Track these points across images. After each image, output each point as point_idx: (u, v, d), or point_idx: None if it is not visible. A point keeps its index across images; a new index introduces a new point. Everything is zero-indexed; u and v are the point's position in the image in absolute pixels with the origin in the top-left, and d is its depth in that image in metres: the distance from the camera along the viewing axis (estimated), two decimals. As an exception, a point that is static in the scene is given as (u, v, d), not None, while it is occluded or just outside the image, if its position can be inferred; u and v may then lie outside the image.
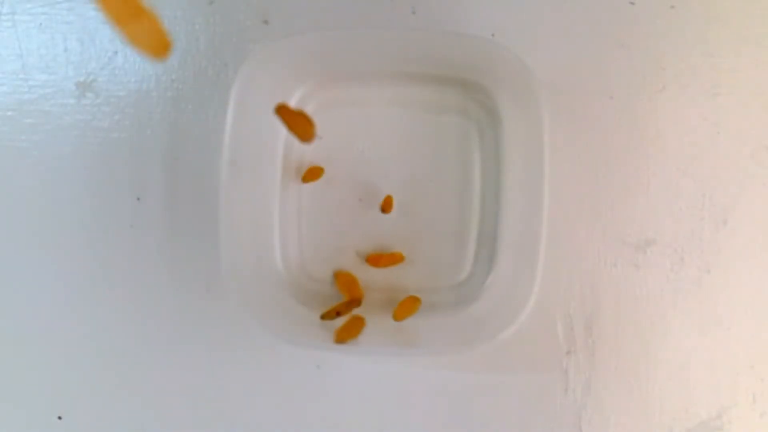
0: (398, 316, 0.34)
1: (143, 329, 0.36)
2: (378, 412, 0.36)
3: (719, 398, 0.35)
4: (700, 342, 0.35)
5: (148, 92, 0.36)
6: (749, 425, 0.35)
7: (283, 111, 0.28)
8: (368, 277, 0.35)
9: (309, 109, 0.36)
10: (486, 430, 0.36)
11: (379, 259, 0.35)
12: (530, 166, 0.32)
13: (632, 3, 0.36)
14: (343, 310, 0.33)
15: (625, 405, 0.35)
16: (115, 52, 0.37)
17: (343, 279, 0.35)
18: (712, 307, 0.35)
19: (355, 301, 0.34)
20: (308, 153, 0.36)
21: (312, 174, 0.35)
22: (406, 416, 0.36)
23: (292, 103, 0.35)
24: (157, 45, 0.23)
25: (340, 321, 0.33)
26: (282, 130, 0.35)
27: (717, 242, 0.35)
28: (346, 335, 0.32)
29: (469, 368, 0.35)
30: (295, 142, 0.36)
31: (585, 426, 0.35)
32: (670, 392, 0.35)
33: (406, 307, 0.34)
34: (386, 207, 0.35)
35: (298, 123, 0.29)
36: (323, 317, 0.33)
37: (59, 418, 0.36)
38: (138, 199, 0.36)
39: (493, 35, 0.35)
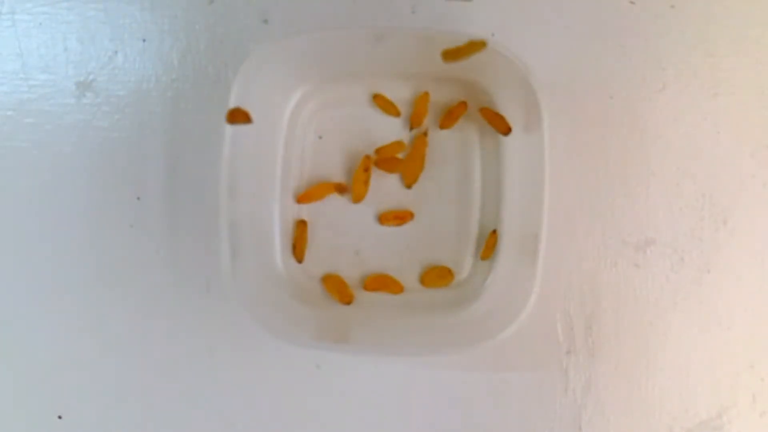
0: (426, 282, 0.35)
1: (143, 329, 0.36)
2: (378, 412, 0.36)
3: (719, 398, 0.35)
4: (700, 342, 0.35)
5: (148, 92, 0.36)
6: (749, 425, 0.35)
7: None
8: (366, 276, 0.35)
9: (309, 109, 0.36)
10: (486, 430, 0.36)
11: (376, 283, 0.35)
12: (530, 166, 0.32)
13: (632, 3, 0.36)
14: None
15: (625, 405, 0.35)
16: (115, 52, 0.37)
17: (331, 282, 0.35)
18: (712, 307, 0.35)
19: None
20: (308, 152, 0.36)
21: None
22: (406, 416, 0.36)
23: (292, 103, 0.35)
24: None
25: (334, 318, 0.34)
26: (282, 130, 0.35)
27: (717, 242, 0.35)
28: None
29: (469, 368, 0.35)
30: (296, 142, 0.36)
31: (585, 426, 0.35)
32: (670, 392, 0.35)
33: (435, 275, 0.35)
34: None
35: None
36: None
37: (59, 417, 0.36)
38: (138, 199, 0.36)
39: (493, 35, 0.35)
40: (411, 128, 0.35)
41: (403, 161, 0.35)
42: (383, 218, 0.35)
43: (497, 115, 0.34)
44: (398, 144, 0.35)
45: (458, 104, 0.35)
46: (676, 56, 0.36)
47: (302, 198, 0.35)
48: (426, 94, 0.35)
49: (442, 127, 0.35)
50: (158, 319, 0.36)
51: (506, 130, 0.34)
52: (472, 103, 0.35)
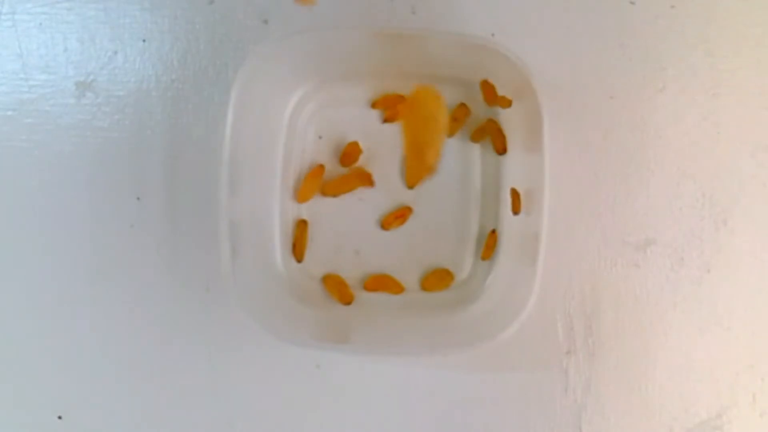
0: (426, 287, 0.35)
1: (143, 329, 0.36)
2: (378, 412, 0.36)
3: (719, 398, 0.35)
4: (700, 342, 0.35)
5: (148, 92, 0.36)
6: (749, 425, 0.35)
7: None
8: (366, 276, 0.35)
9: (309, 109, 0.36)
10: (486, 430, 0.36)
11: (376, 284, 0.35)
12: (530, 166, 0.32)
13: (632, 3, 0.36)
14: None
15: (625, 405, 0.35)
16: (115, 52, 0.37)
17: (331, 282, 0.35)
18: (712, 307, 0.35)
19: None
20: (309, 152, 0.36)
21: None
22: (406, 416, 0.36)
23: (292, 103, 0.35)
24: None
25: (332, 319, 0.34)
26: (282, 130, 0.35)
27: (717, 242, 0.35)
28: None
29: (469, 368, 0.35)
30: (296, 142, 0.36)
31: (585, 426, 0.35)
32: (670, 392, 0.35)
33: (435, 278, 0.35)
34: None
35: None
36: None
37: (59, 418, 0.36)
38: (138, 199, 0.36)
39: (493, 35, 0.35)
40: (384, 121, 0.35)
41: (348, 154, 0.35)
42: (385, 223, 0.35)
43: (500, 131, 0.34)
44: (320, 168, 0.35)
45: (461, 107, 0.35)
46: (676, 56, 0.36)
47: (301, 196, 0.35)
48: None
49: (449, 134, 0.35)
50: (158, 319, 0.36)
51: (502, 150, 0.34)
52: (471, 103, 0.35)
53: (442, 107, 0.33)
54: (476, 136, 0.35)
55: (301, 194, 0.35)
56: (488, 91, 0.34)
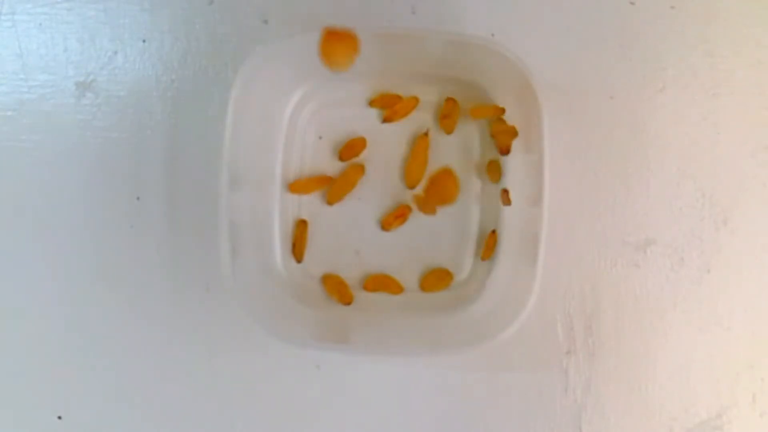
0: (425, 287, 0.35)
1: (143, 329, 0.36)
2: (378, 412, 0.36)
3: (719, 398, 0.35)
4: (700, 342, 0.35)
5: (148, 92, 0.36)
6: (749, 425, 0.35)
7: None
8: (366, 276, 0.35)
9: (309, 109, 0.36)
10: (486, 430, 0.36)
11: (376, 284, 0.35)
12: (530, 166, 0.32)
13: (632, 3, 0.36)
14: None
15: (625, 405, 0.35)
16: (115, 52, 0.37)
17: (331, 282, 0.35)
18: (712, 307, 0.35)
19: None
20: (309, 152, 0.36)
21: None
22: (406, 416, 0.36)
23: (292, 103, 0.35)
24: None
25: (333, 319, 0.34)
26: (282, 130, 0.35)
27: (717, 242, 0.35)
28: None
29: (469, 368, 0.35)
30: (296, 142, 0.36)
31: (585, 426, 0.35)
32: (670, 392, 0.35)
33: (434, 278, 0.35)
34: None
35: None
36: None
37: (59, 418, 0.36)
38: (138, 199, 0.36)
39: (493, 35, 0.35)
40: (383, 121, 0.35)
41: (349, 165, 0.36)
42: (385, 223, 0.35)
43: (508, 133, 0.34)
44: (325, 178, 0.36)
45: (448, 102, 0.35)
46: (676, 56, 0.36)
47: (294, 187, 0.35)
48: (414, 98, 0.35)
49: (447, 132, 0.35)
50: (158, 319, 0.36)
51: (506, 151, 0.34)
52: (472, 103, 0.35)
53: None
54: (492, 172, 0.35)
55: (294, 185, 0.35)
56: (500, 135, 0.34)
